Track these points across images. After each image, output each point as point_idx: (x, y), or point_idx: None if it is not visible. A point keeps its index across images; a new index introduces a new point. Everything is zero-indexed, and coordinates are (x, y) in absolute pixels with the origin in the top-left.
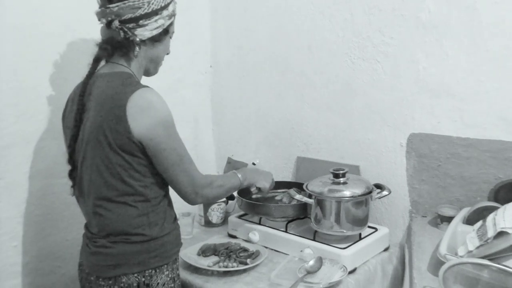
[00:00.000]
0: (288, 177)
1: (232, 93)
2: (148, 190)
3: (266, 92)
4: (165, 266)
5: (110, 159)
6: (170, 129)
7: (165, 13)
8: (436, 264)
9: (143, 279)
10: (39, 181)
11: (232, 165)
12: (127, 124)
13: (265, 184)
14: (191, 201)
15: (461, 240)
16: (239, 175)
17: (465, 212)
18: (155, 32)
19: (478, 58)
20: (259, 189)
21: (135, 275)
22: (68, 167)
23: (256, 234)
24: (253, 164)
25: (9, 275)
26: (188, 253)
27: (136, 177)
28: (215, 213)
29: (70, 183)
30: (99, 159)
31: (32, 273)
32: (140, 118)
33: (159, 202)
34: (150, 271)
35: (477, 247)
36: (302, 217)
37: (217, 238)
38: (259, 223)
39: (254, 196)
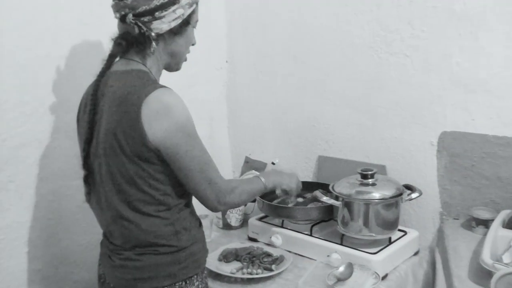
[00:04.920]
0: (309, 177)
1: (248, 89)
2: (169, 198)
3: (285, 88)
4: (195, 276)
5: (126, 167)
6: (190, 134)
7: (184, 1)
8: (477, 272)
9: None
10: (52, 183)
11: (250, 164)
12: (142, 130)
13: (291, 186)
14: (213, 209)
15: (503, 246)
16: (263, 179)
17: (504, 215)
18: (173, 24)
19: None
20: (285, 191)
21: None
22: (82, 172)
23: (279, 238)
24: (272, 163)
25: (21, 282)
26: (209, 258)
27: (155, 185)
28: (234, 215)
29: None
30: (115, 167)
31: (45, 280)
32: (156, 123)
33: (182, 210)
34: (180, 283)
35: None
36: (327, 219)
37: (238, 242)
38: (282, 226)
39: (279, 200)
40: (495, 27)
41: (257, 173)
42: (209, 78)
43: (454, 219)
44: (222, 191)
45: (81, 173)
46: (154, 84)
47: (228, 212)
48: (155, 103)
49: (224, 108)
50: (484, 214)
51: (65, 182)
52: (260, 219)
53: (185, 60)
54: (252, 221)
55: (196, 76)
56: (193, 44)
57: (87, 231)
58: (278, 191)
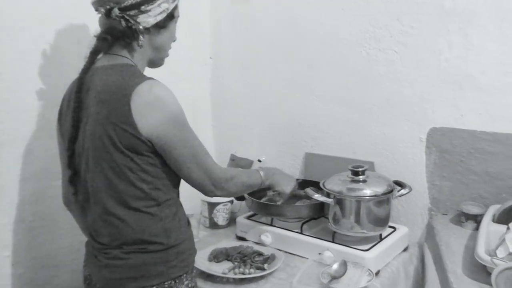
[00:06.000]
0: (295, 174)
1: (234, 86)
2: (160, 192)
3: (272, 84)
4: (185, 275)
5: (116, 160)
6: (182, 124)
7: None
8: (471, 267)
9: None
10: (33, 184)
11: (236, 162)
12: (133, 121)
13: (286, 189)
14: (209, 193)
15: (495, 240)
16: (262, 173)
17: (494, 210)
18: (159, 18)
19: (506, 48)
20: (278, 193)
21: (154, 287)
22: (67, 172)
23: (268, 236)
24: (259, 161)
25: None
26: (199, 258)
27: (146, 179)
28: (221, 214)
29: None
30: (104, 161)
31: (27, 285)
32: (148, 115)
33: (171, 206)
34: (170, 282)
35: None
36: (317, 217)
37: (226, 241)
38: (271, 224)
39: (264, 199)
40: (484, 23)
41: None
42: (193, 75)
43: (443, 214)
44: (219, 178)
45: (62, 177)
46: (142, 76)
47: (215, 211)
48: (146, 94)
49: (208, 105)
50: (473, 209)
51: (47, 183)
52: (248, 217)
53: (167, 55)
54: (240, 219)
55: (180, 73)
56: (173, 40)
57: (70, 233)
58: (270, 193)
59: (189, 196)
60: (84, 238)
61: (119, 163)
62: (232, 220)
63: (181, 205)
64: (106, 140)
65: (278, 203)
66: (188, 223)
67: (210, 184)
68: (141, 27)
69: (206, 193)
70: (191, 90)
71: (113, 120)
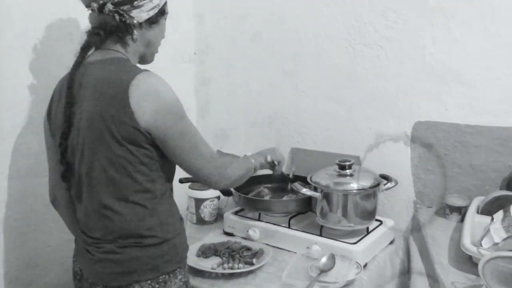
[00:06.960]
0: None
1: (218, 82)
2: (156, 184)
3: (258, 80)
4: (178, 270)
5: (115, 152)
6: (180, 115)
7: None
8: (457, 257)
9: (157, 285)
10: (18, 181)
11: None
12: (131, 113)
13: (278, 158)
14: (213, 185)
15: (480, 232)
16: (252, 160)
17: (478, 201)
18: (151, 13)
19: (489, 43)
20: (273, 163)
21: (149, 282)
22: (60, 168)
23: (256, 231)
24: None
25: None
26: (187, 254)
27: (143, 171)
28: (208, 209)
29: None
30: (102, 154)
31: (12, 284)
32: (145, 106)
33: (166, 200)
34: (164, 276)
35: (504, 239)
36: (304, 211)
37: (214, 236)
38: (259, 219)
39: (255, 193)
40: (467, 19)
41: None
42: (177, 71)
43: (428, 207)
44: (220, 165)
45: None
46: (138, 69)
47: (202, 207)
48: (142, 85)
49: (192, 101)
50: (457, 202)
51: (33, 180)
52: (236, 213)
53: (157, 51)
54: (228, 215)
55: (163, 69)
56: (163, 37)
57: (55, 231)
58: (276, 168)
59: (175, 193)
60: (70, 236)
61: (118, 156)
62: (219, 216)
63: (174, 200)
64: (105, 133)
65: (276, 173)
66: (181, 219)
67: (215, 174)
68: (135, 21)
69: (211, 183)
70: (175, 86)
71: (112, 113)
